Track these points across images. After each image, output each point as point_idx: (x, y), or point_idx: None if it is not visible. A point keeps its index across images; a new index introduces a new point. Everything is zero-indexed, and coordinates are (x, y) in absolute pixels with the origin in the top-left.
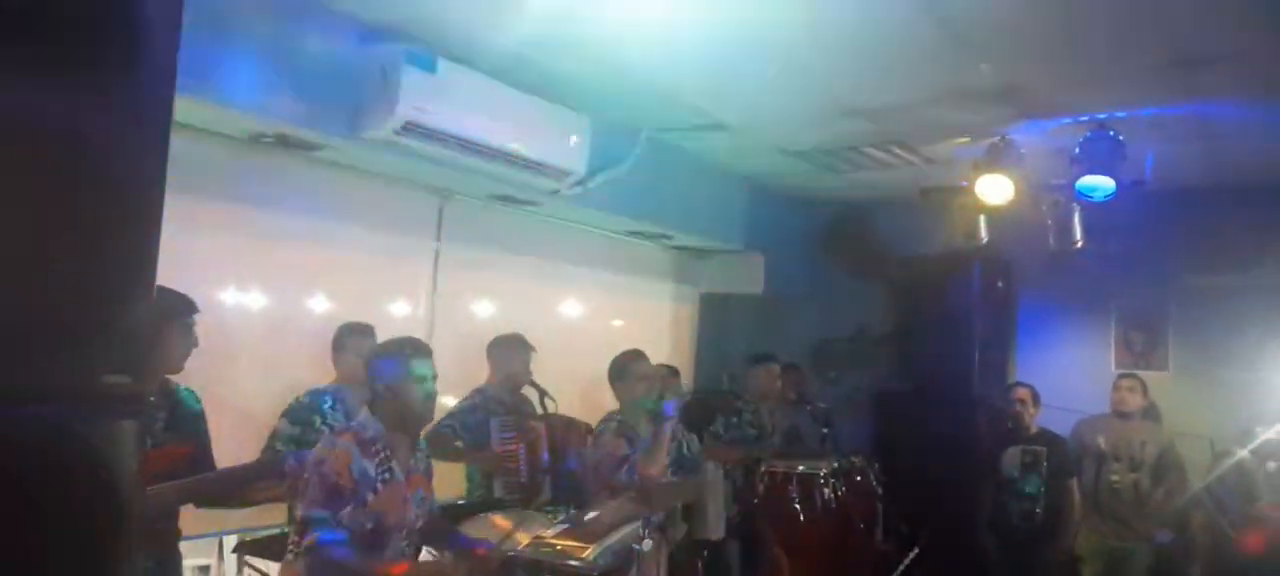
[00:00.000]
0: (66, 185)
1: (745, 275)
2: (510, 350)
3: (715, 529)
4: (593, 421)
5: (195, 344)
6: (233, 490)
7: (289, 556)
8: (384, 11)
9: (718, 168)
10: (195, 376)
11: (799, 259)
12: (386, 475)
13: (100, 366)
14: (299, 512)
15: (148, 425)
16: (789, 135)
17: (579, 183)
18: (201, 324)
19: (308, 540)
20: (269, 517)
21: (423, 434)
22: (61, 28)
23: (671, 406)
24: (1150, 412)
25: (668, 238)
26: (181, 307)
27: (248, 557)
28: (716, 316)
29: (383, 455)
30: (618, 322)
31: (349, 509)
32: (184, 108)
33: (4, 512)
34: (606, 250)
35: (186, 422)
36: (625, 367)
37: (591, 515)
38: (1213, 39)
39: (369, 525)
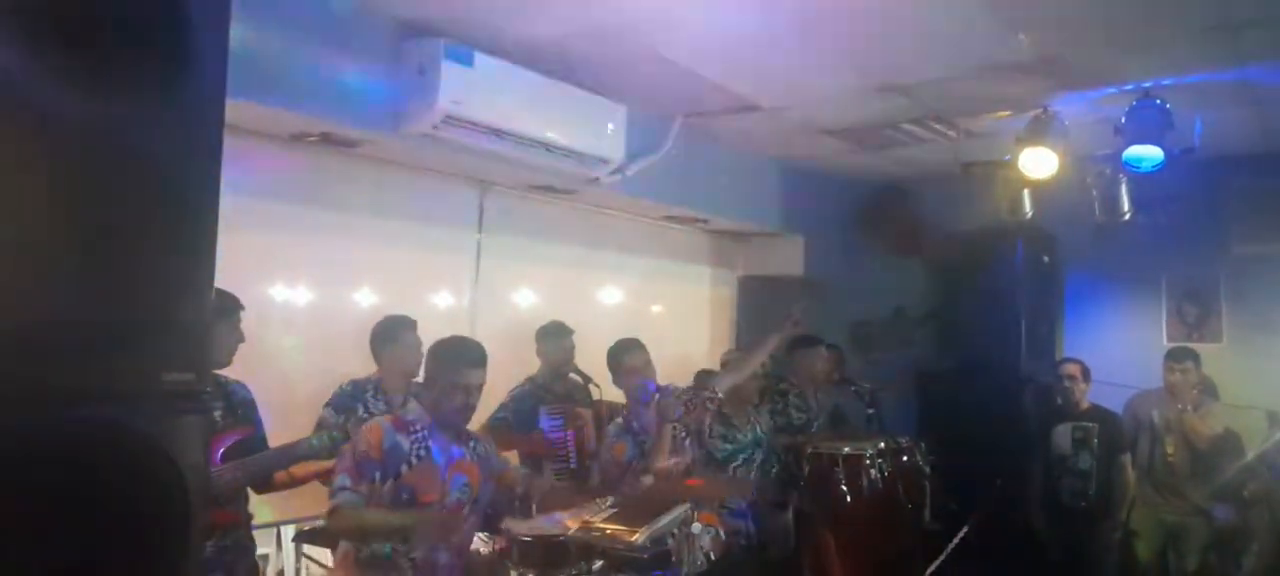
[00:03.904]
0: (126, 190)
1: (784, 257)
2: (552, 338)
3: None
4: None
5: (242, 339)
6: (283, 466)
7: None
8: (421, 8)
9: (754, 150)
10: (244, 369)
11: (838, 239)
12: (422, 452)
13: (163, 365)
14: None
15: (209, 416)
16: (825, 114)
17: (617, 170)
18: (250, 319)
19: (331, 503)
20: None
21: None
22: (119, 42)
23: (650, 390)
24: (1206, 387)
25: (706, 222)
26: (228, 304)
27: (306, 546)
28: (756, 299)
29: (419, 435)
30: (657, 308)
31: (386, 480)
32: (230, 109)
33: (76, 507)
34: (645, 236)
35: (242, 410)
36: (617, 358)
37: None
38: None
39: (403, 496)
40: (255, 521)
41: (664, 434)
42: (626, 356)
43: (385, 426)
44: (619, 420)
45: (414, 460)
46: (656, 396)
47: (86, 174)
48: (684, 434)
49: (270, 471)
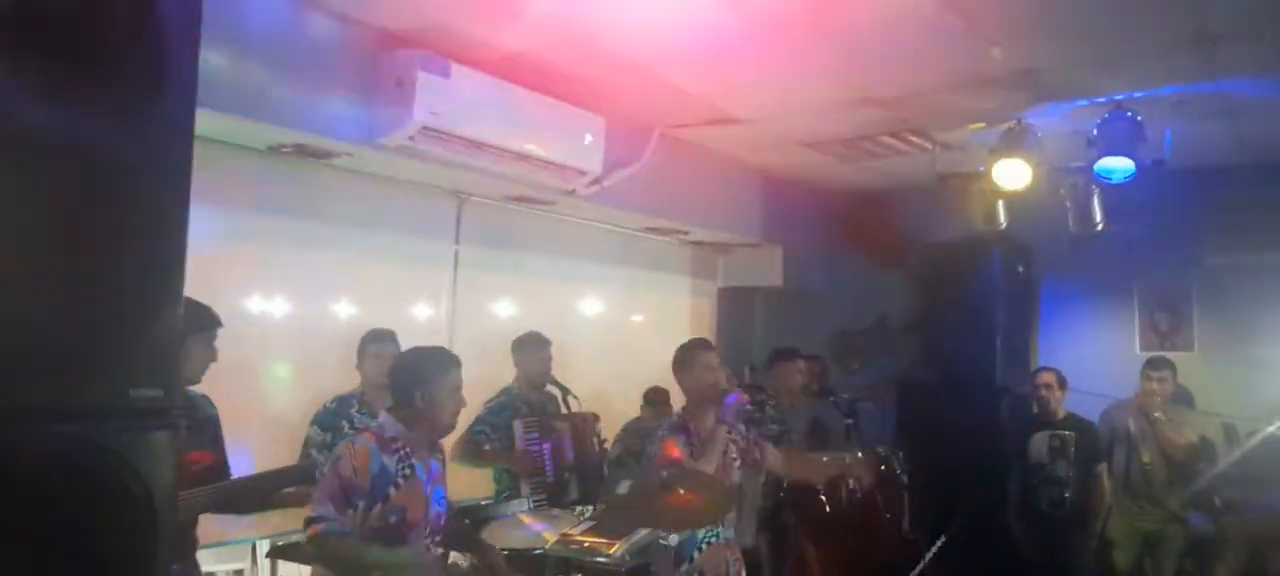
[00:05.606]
0: (94, 205)
1: (764, 268)
2: (529, 349)
3: (745, 536)
4: (609, 417)
5: (214, 358)
6: (260, 495)
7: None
8: (397, 19)
9: (733, 161)
10: (224, 385)
11: (817, 250)
12: (407, 471)
13: (131, 381)
14: (309, 508)
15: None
16: (804, 126)
17: (595, 181)
18: (230, 333)
19: (311, 530)
20: (301, 522)
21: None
22: (87, 53)
23: (734, 399)
24: (1180, 396)
25: (685, 233)
26: (204, 320)
27: (281, 561)
28: (736, 310)
29: (403, 453)
30: (637, 319)
31: (372, 505)
32: (203, 120)
33: (42, 526)
34: (624, 247)
35: (205, 428)
36: (690, 357)
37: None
38: (1232, 13)
39: (392, 519)
40: (233, 538)
41: (717, 437)
42: (698, 355)
43: (371, 447)
44: (674, 418)
45: (401, 480)
46: (729, 401)
47: (51, 187)
48: (735, 455)
49: (240, 499)
